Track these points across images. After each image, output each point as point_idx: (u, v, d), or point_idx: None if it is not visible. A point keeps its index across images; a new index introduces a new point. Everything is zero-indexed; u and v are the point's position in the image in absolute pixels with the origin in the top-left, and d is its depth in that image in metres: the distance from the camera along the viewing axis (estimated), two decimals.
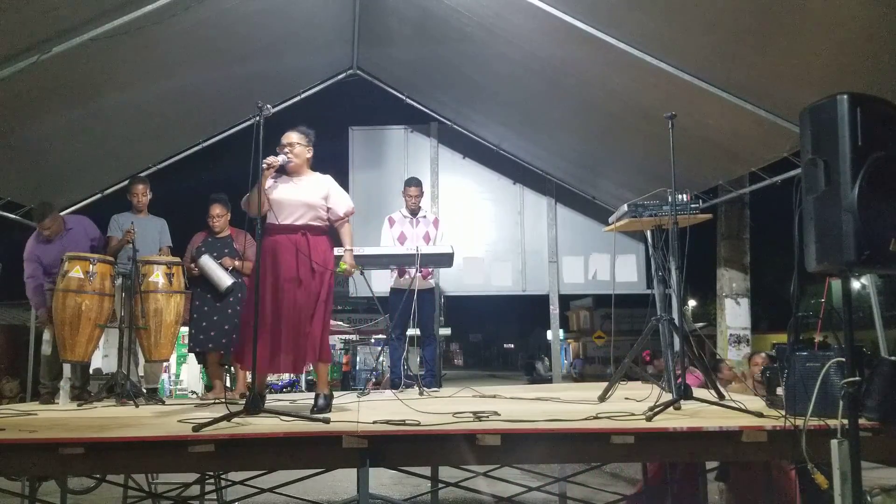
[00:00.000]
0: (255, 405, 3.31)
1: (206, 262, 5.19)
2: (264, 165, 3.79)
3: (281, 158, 3.91)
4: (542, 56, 5.24)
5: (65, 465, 2.99)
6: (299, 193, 3.98)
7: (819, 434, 2.80)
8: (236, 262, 5.30)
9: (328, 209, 4.03)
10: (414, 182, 6.06)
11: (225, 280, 5.16)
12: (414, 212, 5.95)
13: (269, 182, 3.92)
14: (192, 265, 5.28)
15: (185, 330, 5.76)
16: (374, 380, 11.14)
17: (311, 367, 4.23)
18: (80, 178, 5.56)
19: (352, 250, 4.15)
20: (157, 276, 4.92)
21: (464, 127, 7.40)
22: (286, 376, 19.76)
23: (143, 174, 6.29)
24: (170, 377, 16.34)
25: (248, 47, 5.61)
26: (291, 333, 3.80)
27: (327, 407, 3.83)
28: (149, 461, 3.12)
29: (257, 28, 5.40)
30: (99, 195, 6.74)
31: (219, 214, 5.42)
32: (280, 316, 3.80)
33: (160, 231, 5.51)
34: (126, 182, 6.19)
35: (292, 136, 4.03)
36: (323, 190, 4.03)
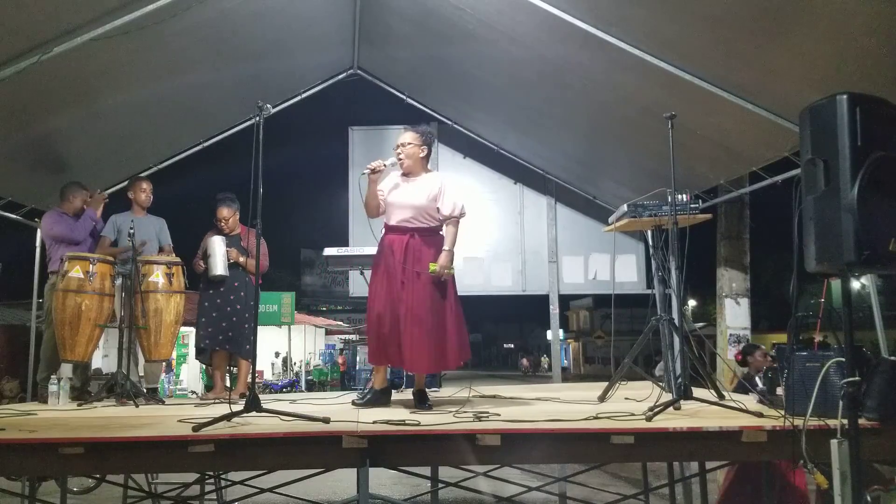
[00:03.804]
0: (256, 404, 3.31)
1: (218, 244, 5.22)
2: (367, 171, 3.91)
3: (389, 161, 4.00)
4: (542, 54, 5.24)
5: (65, 465, 2.99)
6: (409, 195, 4.00)
7: (819, 434, 2.80)
8: (241, 259, 5.31)
9: (438, 209, 4.02)
10: None
11: (218, 269, 5.17)
12: None
13: (389, 183, 4.02)
14: (200, 262, 5.29)
15: (185, 330, 5.75)
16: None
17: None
18: (80, 179, 5.55)
19: (449, 251, 3.98)
20: (157, 276, 4.92)
21: (464, 126, 7.40)
22: (286, 377, 19.80)
23: (143, 174, 6.29)
24: (169, 377, 16.36)
25: (249, 47, 5.60)
26: (392, 334, 3.88)
27: (425, 404, 3.93)
28: (149, 461, 3.13)
29: (258, 28, 5.40)
30: None
31: (226, 217, 5.42)
32: (387, 315, 3.88)
33: (159, 231, 5.51)
34: (125, 182, 6.19)
35: (405, 136, 4.05)
36: (433, 189, 4.01)
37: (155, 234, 5.46)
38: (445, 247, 3.96)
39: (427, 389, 5.09)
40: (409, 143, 4.01)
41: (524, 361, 49.19)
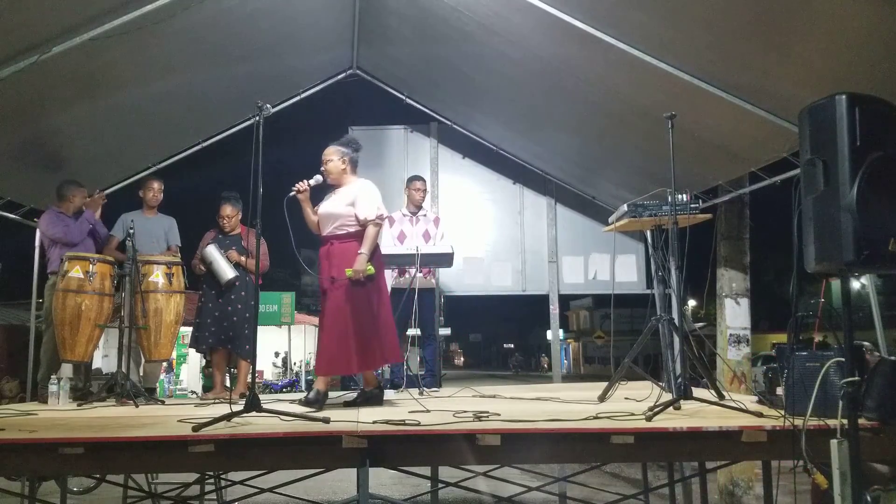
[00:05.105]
0: (256, 404, 3.31)
1: (212, 252, 5.25)
2: (293, 192, 4.12)
3: (312, 181, 4.19)
4: (541, 55, 5.24)
5: (65, 465, 2.99)
6: (331, 205, 4.20)
7: (819, 434, 2.80)
8: (242, 259, 5.32)
9: (355, 215, 4.14)
10: (419, 178, 6.25)
11: (227, 273, 5.20)
12: (414, 210, 6.02)
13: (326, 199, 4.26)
14: (199, 264, 5.31)
15: (185, 330, 5.76)
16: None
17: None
18: (80, 178, 5.55)
19: (364, 254, 4.04)
20: (157, 276, 4.93)
21: (464, 127, 7.40)
22: (286, 377, 19.81)
23: (143, 173, 6.29)
24: (169, 377, 16.36)
25: (248, 47, 5.61)
26: (321, 339, 4.15)
27: (316, 401, 4.01)
28: (149, 461, 3.12)
29: (257, 28, 5.40)
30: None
31: (229, 215, 5.43)
32: (321, 324, 4.18)
33: (167, 230, 5.52)
34: (125, 182, 6.19)
35: (326, 153, 4.27)
36: (350, 197, 4.15)
37: (163, 233, 5.48)
38: (361, 250, 4.05)
39: (427, 389, 5.11)
40: (331, 160, 4.24)
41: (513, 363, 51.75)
